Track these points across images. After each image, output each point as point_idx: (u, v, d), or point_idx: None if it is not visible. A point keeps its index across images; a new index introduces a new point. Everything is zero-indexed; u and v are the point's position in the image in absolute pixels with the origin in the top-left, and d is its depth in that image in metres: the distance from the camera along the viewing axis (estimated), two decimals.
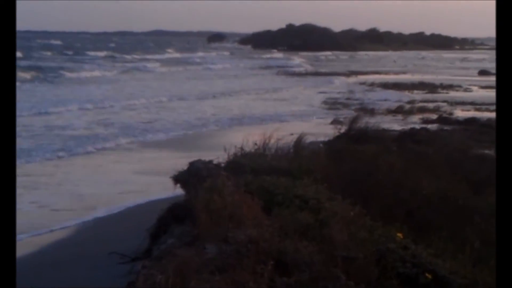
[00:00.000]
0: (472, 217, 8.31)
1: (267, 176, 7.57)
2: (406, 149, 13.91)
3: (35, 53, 70.10)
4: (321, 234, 5.43)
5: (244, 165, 8.60)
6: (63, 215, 11.27)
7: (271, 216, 5.91)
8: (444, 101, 31.60)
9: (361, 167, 9.76)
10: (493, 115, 21.72)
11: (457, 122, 22.80)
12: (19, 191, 12.47)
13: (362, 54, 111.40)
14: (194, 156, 9.53)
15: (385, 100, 32.32)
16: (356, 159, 10.50)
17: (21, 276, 7.55)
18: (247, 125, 23.00)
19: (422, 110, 27.75)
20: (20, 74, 40.47)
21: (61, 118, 23.98)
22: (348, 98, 33.34)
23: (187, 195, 7.74)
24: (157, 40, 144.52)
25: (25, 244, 9.46)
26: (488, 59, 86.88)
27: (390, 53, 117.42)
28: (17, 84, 36.16)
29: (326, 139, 15.18)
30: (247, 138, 10.20)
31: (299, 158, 9.72)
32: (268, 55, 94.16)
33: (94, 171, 15.11)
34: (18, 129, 19.57)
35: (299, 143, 11.39)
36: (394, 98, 33.40)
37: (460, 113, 26.53)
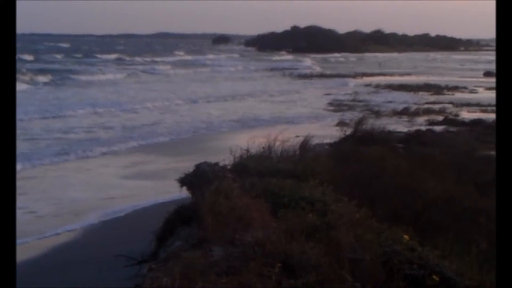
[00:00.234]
0: (478, 218, 8.30)
1: (272, 178, 7.58)
2: (412, 151, 13.91)
3: (45, 56, 70.34)
4: (328, 236, 5.43)
5: (250, 167, 8.61)
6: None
7: (277, 218, 5.91)
8: (449, 103, 31.56)
9: (367, 169, 9.76)
10: None
11: (463, 123, 22.74)
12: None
13: (370, 56, 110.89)
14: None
15: (402, 102, 32.30)
16: (362, 161, 10.50)
17: (27, 279, 7.61)
18: (259, 127, 22.95)
19: (428, 111, 27.71)
20: (35, 78, 40.82)
21: (92, 119, 24.50)
22: (359, 100, 33.30)
23: (193, 197, 7.75)
24: (162, 43, 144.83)
25: (32, 247, 9.50)
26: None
27: (398, 55, 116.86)
28: (33, 87, 36.64)
29: (332, 141, 15.18)
30: (253, 140, 10.20)
31: (305, 160, 9.72)
32: (278, 57, 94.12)
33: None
34: (50, 135, 20.02)
35: (304, 145, 11.40)
36: (407, 99, 33.45)
37: (466, 115, 26.47)
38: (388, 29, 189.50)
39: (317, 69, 67.34)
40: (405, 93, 37.87)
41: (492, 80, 45.70)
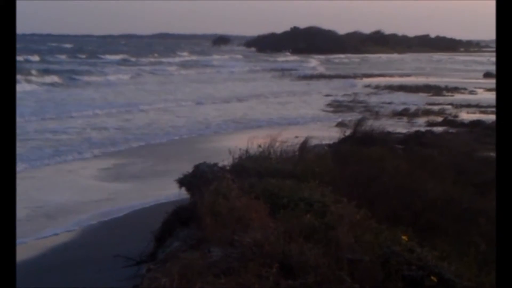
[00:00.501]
0: (477, 219, 8.30)
1: (272, 179, 7.57)
2: (412, 151, 13.90)
3: (49, 56, 70.13)
4: (327, 237, 5.42)
5: (249, 168, 8.60)
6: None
7: (276, 219, 5.90)
8: (449, 104, 31.53)
9: (367, 170, 9.75)
10: None
11: (463, 124, 22.72)
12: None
13: (373, 56, 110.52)
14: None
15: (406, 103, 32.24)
16: (362, 161, 10.49)
17: (25, 279, 7.60)
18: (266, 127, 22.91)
19: (428, 112, 27.70)
20: (43, 79, 40.77)
21: (115, 119, 24.69)
22: (361, 101, 33.29)
23: (192, 198, 7.74)
24: (163, 43, 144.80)
25: (30, 247, 9.48)
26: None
27: (398, 56, 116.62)
28: (41, 89, 36.63)
29: (332, 141, 15.16)
30: (252, 141, 10.18)
31: (304, 160, 9.71)
32: (283, 58, 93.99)
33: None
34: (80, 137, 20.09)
35: (304, 145, 11.39)
36: (415, 100, 33.47)
37: (465, 116, 26.44)
38: (388, 30, 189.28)
39: (323, 70, 66.92)
40: (412, 94, 37.80)
41: (492, 81, 45.73)
